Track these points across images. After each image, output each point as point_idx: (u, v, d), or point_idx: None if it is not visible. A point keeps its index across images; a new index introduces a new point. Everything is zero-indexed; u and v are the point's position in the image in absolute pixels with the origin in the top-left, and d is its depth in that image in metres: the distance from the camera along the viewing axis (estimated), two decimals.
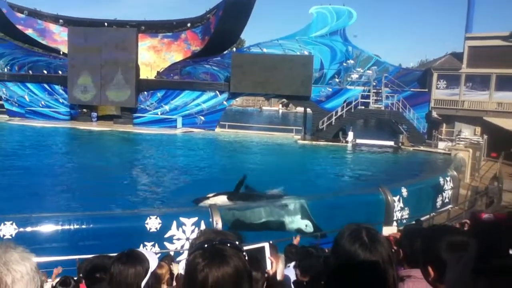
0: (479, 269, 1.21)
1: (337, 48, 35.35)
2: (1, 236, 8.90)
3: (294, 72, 33.14)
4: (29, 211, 10.87)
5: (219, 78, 37.38)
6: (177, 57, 41.50)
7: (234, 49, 42.81)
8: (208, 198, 14.95)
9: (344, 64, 35.41)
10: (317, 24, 35.42)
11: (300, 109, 43.40)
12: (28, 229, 9.50)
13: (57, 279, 4.64)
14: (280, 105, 67.96)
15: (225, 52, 39.36)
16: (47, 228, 9.86)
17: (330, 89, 34.55)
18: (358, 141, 31.75)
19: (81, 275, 4.31)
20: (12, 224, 9.15)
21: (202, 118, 36.44)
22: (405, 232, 4.00)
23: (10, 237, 8.97)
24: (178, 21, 41.92)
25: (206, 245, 1.49)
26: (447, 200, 17.47)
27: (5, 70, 40.40)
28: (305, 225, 13.01)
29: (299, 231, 12.44)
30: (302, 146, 31.55)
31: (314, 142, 32.32)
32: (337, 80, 35.20)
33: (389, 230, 11.72)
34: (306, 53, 35.18)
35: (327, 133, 32.78)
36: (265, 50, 36.04)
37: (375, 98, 33.38)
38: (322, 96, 34.31)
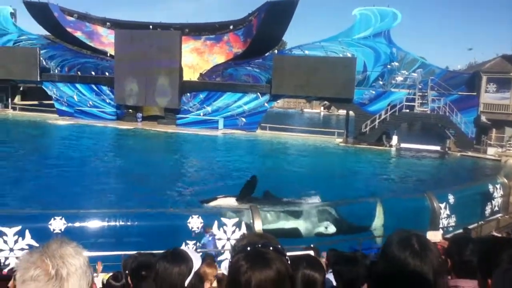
0: None
1: (381, 50, 34.62)
2: (52, 230, 9.24)
3: (336, 74, 32.71)
4: (77, 207, 11.27)
5: (260, 80, 37.50)
6: (219, 59, 42.00)
7: (276, 51, 42.84)
8: (216, 199, 14.93)
9: (388, 66, 34.61)
10: (360, 25, 34.82)
11: (342, 112, 42.77)
12: (77, 224, 9.82)
13: (109, 274, 4.74)
14: (322, 108, 67.32)
15: (266, 54, 39.46)
16: (94, 223, 10.16)
17: (374, 92, 33.87)
18: (403, 145, 30.94)
19: (126, 271, 4.39)
20: (61, 219, 9.48)
21: (244, 119, 36.63)
22: (454, 240, 3.84)
23: (60, 232, 9.29)
24: (220, 23, 42.47)
25: (249, 248, 1.52)
26: (496, 208, 16.69)
27: (56, 71, 42.17)
28: (325, 227, 12.70)
29: (319, 234, 12.18)
30: (344, 149, 31.11)
31: (356, 146, 31.79)
32: (381, 82, 34.47)
33: (433, 235, 11.35)
34: (349, 55, 34.69)
35: (370, 137, 32.15)
36: (307, 52, 35.81)
37: (421, 101, 32.41)
38: (365, 98, 33.69)
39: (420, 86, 32.62)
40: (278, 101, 41.71)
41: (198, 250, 9.25)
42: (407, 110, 32.15)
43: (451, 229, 13.75)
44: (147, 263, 3.56)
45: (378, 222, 12.92)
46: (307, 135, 35.56)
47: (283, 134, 35.55)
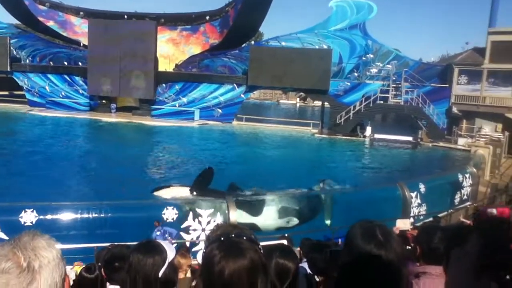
0: (483, 265, 1.17)
1: (357, 42, 34.99)
2: (22, 223, 9.11)
3: (312, 65, 32.92)
4: (48, 199, 11.11)
5: (237, 71, 37.40)
6: (196, 49, 41.66)
7: (253, 42, 42.76)
8: (169, 187, 14.76)
9: (363, 58, 35.03)
10: (336, 17, 35.08)
11: (318, 103, 43.18)
12: (48, 216, 9.69)
13: (83, 266, 4.71)
14: (298, 99, 67.70)
15: (243, 45, 39.36)
16: (66, 216, 10.05)
17: (349, 84, 34.29)
18: (376, 136, 31.45)
19: (99, 263, 4.39)
20: (32, 211, 9.34)
21: (220, 110, 36.55)
22: (423, 229, 4.00)
23: (31, 224, 9.16)
24: (197, 14, 42.06)
25: (222, 238, 1.53)
26: (465, 197, 17.20)
27: (27, 61, 41.12)
28: (287, 221, 12.64)
29: (281, 229, 11.96)
30: (319, 140, 31.44)
31: (331, 136, 32.17)
32: (356, 74, 34.88)
33: (402, 223, 11.64)
34: (325, 46, 34.92)
35: (345, 128, 32.56)
36: (283, 43, 35.89)
37: (395, 93, 32.98)
38: (340, 90, 34.08)
39: (394, 78, 33.15)
40: (254, 92, 41.77)
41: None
42: (381, 102, 32.68)
43: (421, 217, 14.12)
44: (120, 254, 3.56)
45: (327, 215, 13.07)
46: (283, 126, 35.77)
47: (259, 125, 35.63)
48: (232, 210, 11.37)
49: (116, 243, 6.89)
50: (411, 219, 12.19)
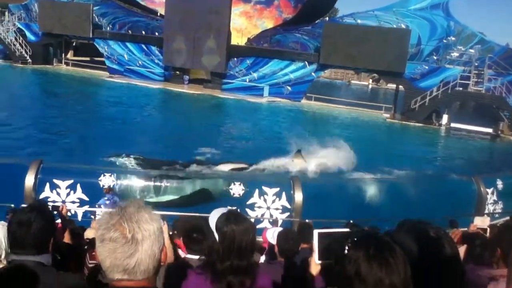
0: None
1: (438, 23, 32.99)
2: (101, 186, 9.64)
3: (388, 46, 31.54)
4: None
5: (309, 48, 36.77)
6: (269, 24, 41.41)
7: (327, 18, 41.76)
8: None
9: (444, 40, 33.01)
10: None
11: (392, 86, 41.56)
12: (125, 182, 10.19)
13: None
14: (370, 80, 65.57)
15: (317, 22, 38.54)
16: (140, 182, 10.53)
17: (427, 67, 32.49)
18: (453, 125, 29.83)
19: (175, 232, 4.55)
20: (111, 176, 9.86)
21: (289, 88, 36.30)
22: (504, 228, 3.74)
23: (107, 187, 9.68)
24: None
25: None
26: None
27: (108, 28, 42.92)
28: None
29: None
30: (391, 125, 30.39)
31: (404, 122, 30.94)
32: (435, 57, 33.03)
33: (480, 221, 11.01)
34: (403, 26, 33.29)
35: (419, 114, 31.13)
36: (359, 21, 34.66)
37: (476, 80, 30.88)
38: (417, 73, 32.43)
39: (476, 64, 30.98)
40: (325, 71, 40.88)
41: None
42: (461, 89, 30.73)
43: (497, 215, 13.32)
44: (199, 226, 3.76)
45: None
46: (354, 108, 34.88)
47: (329, 106, 35.03)
48: (297, 190, 11.32)
49: (192, 214, 7.15)
50: (488, 217, 11.55)
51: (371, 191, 13.34)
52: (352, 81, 66.63)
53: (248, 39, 40.24)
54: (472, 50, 31.83)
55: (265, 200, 11.19)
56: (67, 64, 46.61)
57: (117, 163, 13.68)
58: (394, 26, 33.43)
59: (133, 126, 21.50)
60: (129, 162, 14.09)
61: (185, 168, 14.49)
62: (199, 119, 26.24)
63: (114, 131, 19.84)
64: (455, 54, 32.78)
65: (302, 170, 14.34)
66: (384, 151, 21.29)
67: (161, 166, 13.96)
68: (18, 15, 45.26)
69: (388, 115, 32.87)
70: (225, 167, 14.52)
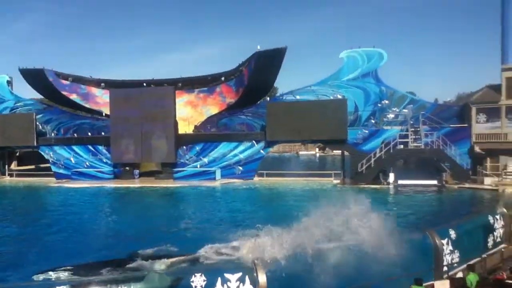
0: None
1: (370, 90, 35.48)
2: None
3: (328, 116, 33.37)
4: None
5: (255, 127, 38.08)
6: (213, 110, 42.77)
7: (268, 98, 43.72)
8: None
9: (379, 105, 35.36)
10: (348, 67, 35.88)
11: (338, 152, 43.16)
12: None
13: None
14: (317, 149, 67.89)
15: (259, 102, 40.24)
16: None
17: (367, 131, 34.44)
18: (400, 182, 31.08)
19: None
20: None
21: (241, 168, 36.89)
22: None
23: None
24: (212, 75, 43.54)
25: None
26: (498, 239, 16.59)
27: (52, 134, 42.62)
28: None
29: None
30: (342, 190, 31.10)
31: (354, 186, 31.90)
32: (373, 121, 35.10)
33: (441, 284, 11.18)
34: (339, 97, 35.45)
35: (367, 176, 32.34)
36: (298, 97, 36.60)
37: (414, 137, 32.90)
38: (359, 138, 34.20)
39: (411, 122, 33.20)
40: (273, 147, 42.09)
41: None
42: (402, 146, 32.55)
43: (455, 265, 13.62)
44: None
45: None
46: (305, 179, 35.69)
47: (281, 180, 35.67)
48: (260, 274, 11.20)
49: None
50: (447, 281, 11.78)
51: (333, 259, 13.36)
52: (300, 152, 68.62)
53: (195, 126, 41.18)
54: (405, 110, 34.19)
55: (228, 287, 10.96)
56: (10, 175, 45.11)
57: (53, 279, 12.91)
58: (331, 97, 35.53)
59: (79, 231, 20.60)
60: (63, 275, 13.31)
61: (132, 266, 13.99)
62: (150, 212, 25.69)
63: (58, 240, 18.95)
64: (391, 116, 34.96)
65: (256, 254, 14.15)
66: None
67: (102, 268, 13.49)
68: None
69: (338, 181, 33.81)
70: (166, 262, 14.18)
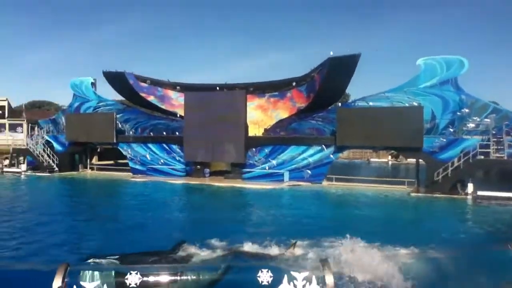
0: None
1: (449, 98, 33.66)
2: (128, 284, 9.55)
3: (403, 123, 32.15)
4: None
5: (324, 132, 37.63)
6: (283, 114, 42.92)
7: (339, 104, 43.05)
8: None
9: (458, 113, 33.45)
10: (425, 75, 34.26)
11: (412, 161, 41.47)
12: (151, 278, 10.07)
13: None
14: (390, 157, 65.69)
15: (330, 107, 39.73)
16: (165, 278, 10.37)
17: (444, 140, 32.70)
18: (480, 193, 29.18)
19: None
20: (137, 273, 9.79)
21: (309, 171, 36.61)
22: None
23: (135, 286, 9.57)
24: (284, 81, 43.73)
25: None
26: None
27: (131, 133, 45.03)
28: None
29: None
30: (416, 199, 29.86)
31: (429, 195, 30.44)
32: (451, 129, 33.28)
33: None
34: (415, 104, 34.05)
35: (444, 186, 30.71)
36: (371, 103, 35.61)
37: (496, 147, 30.76)
38: (436, 147, 32.56)
39: (494, 132, 31.09)
40: (343, 152, 41.29)
41: None
42: (482, 157, 30.56)
43: None
44: None
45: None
46: (375, 185, 34.64)
47: (350, 185, 34.91)
48: (327, 274, 11.02)
49: None
50: None
51: (408, 268, 12.84)
52: (371, 159, 66.73)
53: (265, 129, 41.55)
54: (487, 120, 32.04)
55: (294, 286, 10.86)
56: (92, 169, 48.34)
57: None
58: (407, 104, 34.16)
59: (155, 221, 21.60)
60: (112, 262, 13.71)
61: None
62: (218, 208, 26.34)
63: (132, 229, 19.93)
64: (471, 125, 32.94)
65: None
66: (413, 225, 20.79)
67: (152, 257, 13.86)
68: (47, 129, 48.05)
69: (412, 189, 32.45)
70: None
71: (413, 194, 31.15)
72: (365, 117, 33.63)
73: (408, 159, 51.06)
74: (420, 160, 34.49)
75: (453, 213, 24.52)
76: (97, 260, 13.52)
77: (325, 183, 36.06)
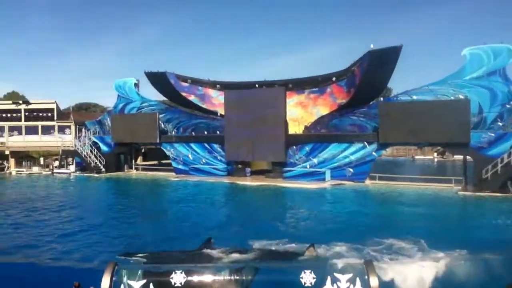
0: None
1: (497, 89, 32.16)
2: (173, 284, 9.71)
3: (448, 118, 31.04)
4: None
5: (366, 129, 36.89)
6: (324, 110, 42.43)
7: (381, 98, 42.08)
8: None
9: (507, 106, 31.92)
10: (471, 65, 32.89)
11: (459, 157, 40.01)
12: (195, 278, 10.20)
13: None
14: (435, 154, 63.69)
15: (371, 103, 38.93)
16: (209, 278, 10.47)
17: (493, 134, 31.31)
18: None
19: None
20: (181, 273, 9.92)
21: (351, 170, 36.03)
22: None
23: (180, 285, 9.72)
24: (323, 76, 43.20)
25: None
26: None
27: (173, 132, 45.88)
28: None
29: None
30: (465, 198, 28.76)
31: (477, 194, 29.27)
32: (500, 124, 31.82)
33: None
34: (461, 97, 32.81)
35: (493, 183, 29.44)
36: (414, 97, 34.58)
37: None
38: (484, 142, 31.22)
39: None
40: (386, 150, 40.35)
41: None
42: None
43: None
44: None
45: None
46: (422, 184, 33.60)
47: (395, 184, 34.05)
48: (372, 276, 10.79)
49: None
50: None
51: (461, 270, 12.43)
52: (416, 157, 64.94)
53: (305, 127, 41.24)
54: None
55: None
56: (137, 169, 49.66)
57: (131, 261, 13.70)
58: (452, 97, 32.99)
59: (200, 219, 21.96)
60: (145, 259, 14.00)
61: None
62: (262, 208, 26.40)
63: (179, 226, 20.32)
64: None
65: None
66: (465, 226, 20.06)
67: (187, 255, 14.01)
68: (93, 130, 49.75)
69: (459, 188, 31.33)
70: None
71: (460, 193, 30.04)
72: (409, 111, 32.71)
73: (455, 156, 49.32)
74: (467, 156, 33.22)
75: (505, 213, 23.41)
76: (128, 258, 13.96)
77: (368, 182, 35.40)
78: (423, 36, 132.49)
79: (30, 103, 55.30)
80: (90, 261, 14.33)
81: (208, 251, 14.69)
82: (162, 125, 45.48)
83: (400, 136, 33.39)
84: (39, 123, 54.12)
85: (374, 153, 35.49)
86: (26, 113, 54.46)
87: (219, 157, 42.11)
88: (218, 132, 43.29)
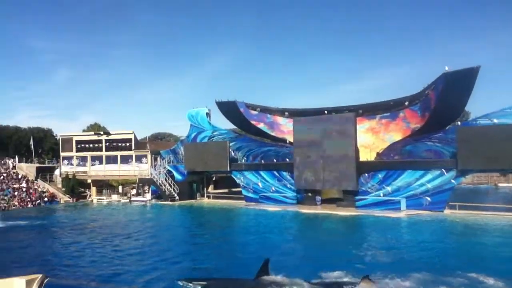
0: None
1: None
2: None
3: None
4: None
5: (443, 155, 35.01)
6: (396, 136, 41.04)
7: (459, 122, 39.97)
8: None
9: None
10: None
11: None
12: None
13: None
14: None
15: (447, 127, 37.06)
16: None
17: None
18: None
19: None
20: None
21: (428, 198, 34.19)
22: None
23: None
24: (395, 100, 42.02)
25: None
26: None
27: (243, 160, 46.47)
28: None
29: None
30: None
31: None
32: None
33: None
34: None
35: None
36: (495, 120, 32.44)
37: None
38: None
39: None
40: (466, 177, 37.98)
41: None
42: None
43: None
44: None
45: None
46: (507, 214, 31.04)
47: (478, 214, 31.75)
48: None
49: None
50: None
51: None
52: (499, 184, 60.52)
53: (377, 153, 40.02)
54: None
55: None
56: (208, 197, 50.69)
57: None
58: None
59: (264, 248, 21.72)
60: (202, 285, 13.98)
61: None
62: (333, 238, 25.62)
63: (252, 257, 20.17)
64: None
65: None
66: None
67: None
68: (168, 159, 51.73)
69: None
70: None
71: None
72: (489, 136, 30.69)
73: None
74: None
75: None
76: (188, 283, 14.02)
77: (447, 211, 33.33)
78: (506, 55, 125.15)
79: (110, 134, 58.89)
80: None
81: (265, 279, 14.39)
82: (232, 153, 46.28)
83: (481, 162, 31.32)
84: (118, 153, 57.36)
85: (453, 181, 33.50)
86: (107, 144, 57.98)
87: (288, 185, 41.89)
88: (287, 159, 43.20)
